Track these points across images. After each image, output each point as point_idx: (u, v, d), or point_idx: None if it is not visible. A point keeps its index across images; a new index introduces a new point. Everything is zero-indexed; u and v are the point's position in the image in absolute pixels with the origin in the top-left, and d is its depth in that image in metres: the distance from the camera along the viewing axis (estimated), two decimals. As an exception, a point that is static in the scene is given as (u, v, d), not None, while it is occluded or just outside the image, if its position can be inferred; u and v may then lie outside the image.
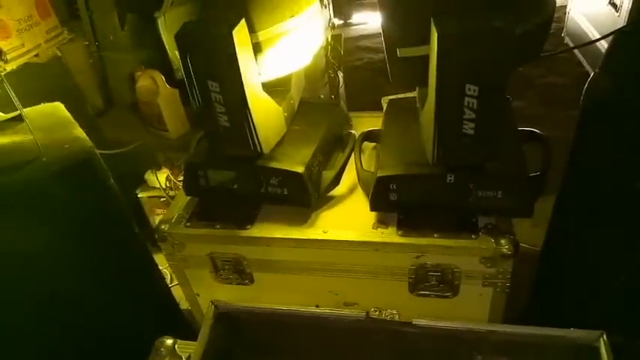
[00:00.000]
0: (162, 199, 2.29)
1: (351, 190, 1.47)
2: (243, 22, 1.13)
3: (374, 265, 1.34)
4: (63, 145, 1.30)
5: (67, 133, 1.37)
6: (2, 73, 1.34)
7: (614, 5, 2.72)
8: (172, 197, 2.09)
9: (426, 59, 1.09)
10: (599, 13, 2.94)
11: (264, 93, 1.29)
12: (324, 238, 1.32)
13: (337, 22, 1.59)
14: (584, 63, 3.28)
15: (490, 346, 1.03)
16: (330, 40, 1.69)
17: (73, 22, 2.37)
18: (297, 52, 1.32)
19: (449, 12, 1.01)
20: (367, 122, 1.62)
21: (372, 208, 1.33)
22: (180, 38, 1.14)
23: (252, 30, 1.17)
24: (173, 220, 1.45)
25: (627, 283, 1.33)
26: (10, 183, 1.20)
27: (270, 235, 1.36)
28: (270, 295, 1.48)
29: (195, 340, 1.07)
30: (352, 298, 1.44)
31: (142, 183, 2.38)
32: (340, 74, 1.95)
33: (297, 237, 1.34)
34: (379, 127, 1.49)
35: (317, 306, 1.41)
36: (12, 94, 1.29)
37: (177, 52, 1.19)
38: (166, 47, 1.28)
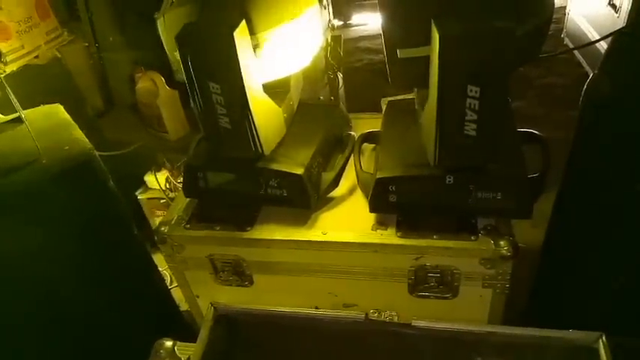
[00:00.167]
0: (161, 201, 2.29)
1: (351, 192, 1.47)
2: (243, 23, 1.13)
3: (373, 266, 1.34)
4: (63, 147, 1.31)
5: (66, 135, 1.38)
6: (2, 75, 1.34)
7: (613, 6, 2.73)
8: (172, 199, 2.09)
9: (426, 60, 1.09)
10: (599, 14, 2.94)
11: (264, 94, 1.29)
12: (324, 239, 1.32)
13: (337, 23, 1.59)
14: (584, 64, 3.28)
15: (489, 348, 1.03)
16: (329, 41, 1.69)
17: (72, 23, 2.37)
18: (297, 54, 1.32)
19: (449, 13, 1.01)
20: (367, 123, 1.62)
21: (372, 210, 1.33)
22: (181, 40, 1.14)
23: (252, 32, 1.17)
24: (173, 222, 1.45)
25: (626, 284, 1.33)
26: (10, 185, 1.21)
27: (269, 237, 1.36)
28: (269, 296, 1.48)
29: (195, 342, 1.07)
30: (352, 300, 1.44)
31: (142, 184, 2.38)
32: (340, 75, 1.95)
33: (296, 238, 1.34)
34: (379, 129, 1.49)
35: (316, 307, 1.41)
36: (12, 96, 1.29)
37: (176, 54, 1.19)
38: (166, 48, 1.28)
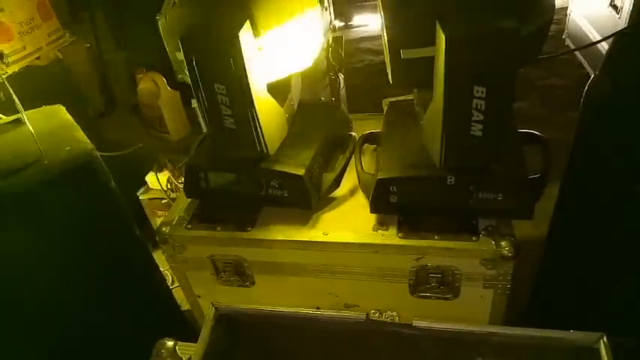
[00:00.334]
0: (163, 201, 2.30)
1: (352, 192, 1.47)
2: (248, 23, 1.13)
3: (374, 267, 1.34)
4: (64, 148, 1.31)
5: (68, 136, 1.38)
6: (4, 76, 1.34)
7: (614, 7, 2.72)
8: (173, 199, 2.09)
9: (428, 60, 1.09)
10: (600, 15, 2.94)
11: (268, 94, 1.29)
12: (325, 240, 1.32)
13: (338, 24, 1.59)
14: (585, 65, 3.27)
15: (490, 348, 1.02)
16: (330, 42, 1.69)
17: (74, 24, 2.38)
18: (299, 53, 1.32)
19: (454, 14, 1.01)
20: (368, 124, 1.62)
21: (373, 210, 1.33)
22: (186, 41, 1.14)
23: (255, 31, 1.17)
24: (174, 222, 1.45)
25: (627, 284, 1.33)
26: (12, 185, 1.21)
27: (270, 237, 1.36)
28: (270, 296, 1.48)
29: (196, 342, 1.07)
30: (353, 300, 1.44)
31: (143, 185, 2.38)
32: (341, 76, 1.95)
33: (297, 239, 1.35)
34: (380, 129, 1.49)
35: (318, 308, 1.41)
36: (14, 97, 1.30)
37: (179, 54, 1.19)
38: (167, 49, 1.29)
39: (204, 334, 1.07)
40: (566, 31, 3.71)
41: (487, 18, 0.99)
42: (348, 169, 1.47)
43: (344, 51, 1.86)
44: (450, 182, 1.22)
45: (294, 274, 1.42)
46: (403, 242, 1.28)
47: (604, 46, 1.50)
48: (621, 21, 2.60)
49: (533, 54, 1.20)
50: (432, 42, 1.06)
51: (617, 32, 1.24)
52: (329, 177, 1.42)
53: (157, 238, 1.45)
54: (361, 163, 1.43)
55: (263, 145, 1.28)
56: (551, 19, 1.15)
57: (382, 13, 1.15)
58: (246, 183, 1.38)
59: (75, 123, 1.45)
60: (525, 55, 1.17)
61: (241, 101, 1.19)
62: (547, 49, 1.21)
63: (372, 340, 1.09)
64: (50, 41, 2.16)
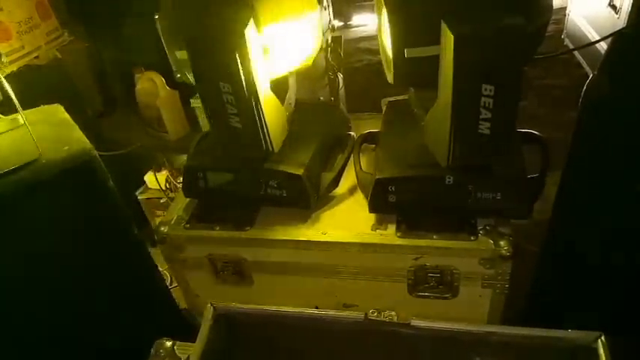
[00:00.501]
0: (161, 201, 2.30)
1: (351, 192, 1.47)
2: (252, 21, 1.13)
3: (373, 266, 1.34)
4: (62, 147, 1.30)
5: (66, 135, 1.37)
6: (2, 75, 1.34)
7: (613, 7, 2.72)
8: (172, 199, 2.09)
9: (432, 59, 1.09)
10: (599, 14, 2.93)
11: (271, 93, 1.29)
12: (324, 239, 1.33)
13: (337, 24, 1.59)
14: (584, 64, 3.27)
15: (488, 347, 1.02)
16: (330, 41, 1.69)
17: (73, 23, 2.37)
18: (299, 52, 1.32)
19: (459, 12, 1.00)
20: (366, 124, 1.62)
21: (371, 210, 1.33)
22: (190, 40, 1.13)
23: (258, 30, 1.17)
24: (172, 222, 1.45)
25: (626, 284, 1.33)
26: (10, 185, 1.20)
27: (269, 237, 1.36)
28: (269, 296, 1.48)
29: (194, 342, 1.06)
30: (351, 300, 1.44)
31: (142, 184, 2.38)
32: (340, 76, 1.95)
33: (296, 238, 1.35)
34: (378, 129, 1.49)
35: (316, 307, 1.41)
36: (12, 96, 1.29)
37: (179, 53, 1.19)
38: (166, 48, 1.28)
39: (203, 333, 1.07)
40: (564, 30, 3.71)
41: (493, 15, 0.99)
42: (346, 168, 1.47)
43: (343, 51, 1.86)
44: (449, 182, 1.22)
45: (293, 273, 1.42)
46: (402, 242, 1.28)
47: (603, 46, 1.50)
48: (620, 21, 2.60)
49: (531, 54, 1.20)
50: (436, 41, 1.05)
51: (615, 32, 1.24)
52: (328, 176, 1.42)
53: (156, 238, 1.45)
54: (360, 162, 1.43)
55: (269, 143, 1.28)
56: (549, 20, 1.15)
57: (385, 12, 1.15)
58: (244, 183, 1.38)
59: (73, 122, 1.45)
60: (525, 55, 1.17)
61: (247, 100, 1.19)
62: (546, 49, 1.21)
63: (371, 340, 1.09)
64: (49, 41, 2.15)
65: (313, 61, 1.39)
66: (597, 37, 2.00)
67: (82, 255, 1.41)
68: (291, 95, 1.48)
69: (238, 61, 1.12)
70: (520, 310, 1.62)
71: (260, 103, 1.19)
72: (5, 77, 1.31)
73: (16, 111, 1.33)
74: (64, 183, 1.29)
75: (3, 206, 1.21)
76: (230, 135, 1.26)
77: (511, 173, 1.23)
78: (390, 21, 1.07)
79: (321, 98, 1.99)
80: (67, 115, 1.49)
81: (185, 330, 1.73)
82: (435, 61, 1.09)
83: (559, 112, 2.98)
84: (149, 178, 2.33)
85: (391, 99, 1.63)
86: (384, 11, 1.18)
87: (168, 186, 2.26)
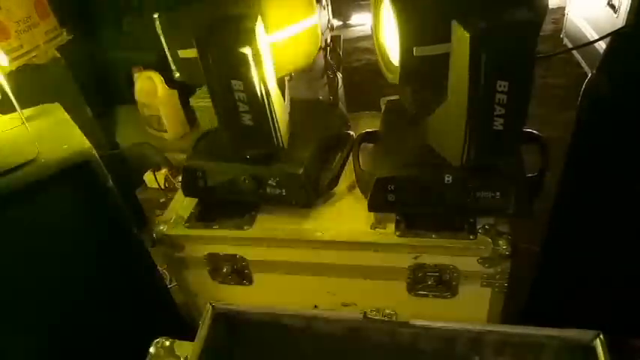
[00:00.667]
0: (161, 200, 2.30)
1: (350, 191, 1.47)
2: (260, 18, 1.13)
3: (372, 265, 1.34)
4: (61, 146, 1.30)
5: (65, 134, 1.37)
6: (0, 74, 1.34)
7: (612, 7, 2.73)
8: (171, 198, 2.09)
9: (442, 58, 1.08)
10: (598, 14, 2.94)
11: (279, 90, 1.29)
12: (323, 238, 1.33)
13: (336, 23, 1.59)
14: (583, 64, 3.28)
15: (488, 346, 1.03)
16: (329, 41, 1.69)
17: (71, 23, 2.37)
18: (298, 51, 1.32)
19: (471, 9, 1.00)
20: (366, 123, 1.62)
21: (370, 209, 1.33)
22: (200, 39, 1.13)
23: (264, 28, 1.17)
24: (172, 221, 1.45)
25: (624, 283, 1.34)
26: (8, 184, 1.20)
27: (268, 236, 1.36)
28: (268, 295, 1.48)
29: (194, 341, 1.06)
30: (350, 299, 1.44)
31: (141, 184, 2.38)
32: (339, 75, 1.95)
33: (295, 237, 1.35)
34: (378, 128, 1.49)
35: (315, 306, 1.42)
36: (10, 95, 1.29)
37: (180, 52, 1.19)
38: (165, 48, 1.28)
39: (202, 332, 1.07)
40: (564, 30, 3.72)
41: (504, 11, 0.98)
42: (346, 167, 1.47)
43: (342, 50, 1.86)
44: (448, 181, 1.22)
45: (292, 272, 1.42)
46: (401, 241, 1.28)
47: (601, 45, 1.50)
48: (619, 20, 2.61)
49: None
50: (446, 38, 1.04)
51: (614, 31, 1.24)
52: (327, 175, 1.42)
53: (155, 237, 1.44)
54: (359, 161, 1.43)
55: (280, 139, 1.28)
56: (543, 20, 1.14)
57: (385, 11, 1.15)
58: (244, 181, 1.38)
59: (72, 121, 1.45)
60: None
61: (259, 97, 1.18)
62: (545, 49, 1.21)
63: (370, 339, 1.09)
64: (47, 40, 2.15)
65: (313, 61, 1.39)
66: (596, 37, 2.00)
67: (80, 254, 1.41)
68: (288, 95, 1.48)
69: (250, 58, 1.12)
70: (520, 309, 1.62)
71: (272, 100, 1.19)
72: (4, 76, 1.31)
73: (14, 110, 1.33)
74: (63, 182, 1.29)
75: (1, 205, 1.21)
76: (241, 133, 1.26)
77: (510, 172, 1.23)
78: (398, 19, 1.06)
79: (321, 97, 1.99)
80: (65, 114, 1.49)
81: (184, 329, 1.74)
82: (443, 59, 1.08)
83: (558, 112, 2.98)
84: (148, 177, 2.33)
85: (390, 98, 1.63)
86: (385, 10, 1.18)
87: (167, 185, 2.26)
